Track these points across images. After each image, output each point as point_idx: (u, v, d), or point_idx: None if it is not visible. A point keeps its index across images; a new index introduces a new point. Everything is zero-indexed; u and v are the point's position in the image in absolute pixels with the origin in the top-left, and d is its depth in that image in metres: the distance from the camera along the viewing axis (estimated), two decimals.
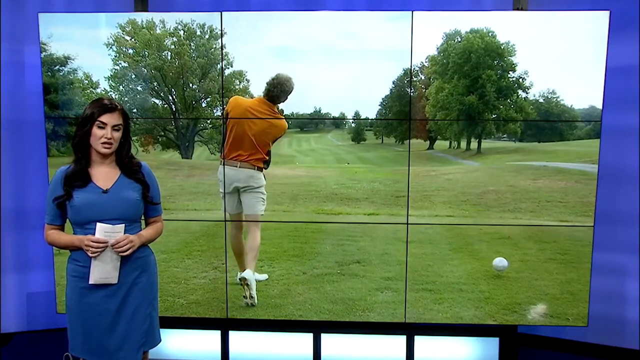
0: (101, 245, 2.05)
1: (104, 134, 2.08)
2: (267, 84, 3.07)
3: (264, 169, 3.20)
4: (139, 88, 3.20)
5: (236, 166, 3.14)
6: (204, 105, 3.29)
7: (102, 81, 3.16)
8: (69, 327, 2.21)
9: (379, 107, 3.16)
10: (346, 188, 3.31)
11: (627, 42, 3.28)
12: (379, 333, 3.27)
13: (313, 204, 3.29)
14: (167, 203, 3.17)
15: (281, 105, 3.13)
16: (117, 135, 2.12)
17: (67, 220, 2.18)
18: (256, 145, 3.13)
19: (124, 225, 2.10)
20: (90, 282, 2.09)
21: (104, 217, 2.09)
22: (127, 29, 3.11)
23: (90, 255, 2.06)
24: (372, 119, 3.24)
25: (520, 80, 3.07)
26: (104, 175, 2.15)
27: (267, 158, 3.20)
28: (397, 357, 3.28)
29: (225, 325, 3.32)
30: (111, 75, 3.15)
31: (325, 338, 3.29)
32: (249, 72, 3.12)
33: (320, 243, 3.28)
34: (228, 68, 3.10)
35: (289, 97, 3.08)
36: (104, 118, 2.08)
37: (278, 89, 3.06)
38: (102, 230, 2.06)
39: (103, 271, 2.09)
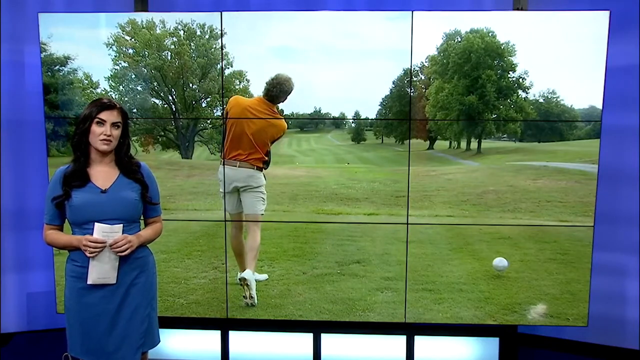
0: (99, 245, 2.05)
1: (103, 131, 2.08)
2: (266, 83, 3.07)
3: (263, 169, 3.20)
4: (139, 88, 3.20)
5: (235, 166, 3.14)
6: (204, 105, 3.29)
7: (102, 81, 3.16)
8: (68, 328, 2.21)
9: (379, 107, 3.16)
10: (346, 188, 3.31)
11: (627, 42, 3.28)
12: (379, 333, 3.27)
13: (313, 204, 3.29)
14: (167, 203, 3.17)
15: (281, 105, 3.13)
16: (116, 133, 2.12)
17: (66, 220, 2.18)
18: (255, 145, 3.12)
19: (122, 225, 2.10)
20: (89, 282, 2.09)
21: (102, 217, 2.09)
22: (127, 29, 3.12)
23: (88, 255, 2.06)
24: (372, 119, 3.24)
25: (520, 80, 3.07)
26: (103, 175, 2.15)
27: (267, 158, 3.19)
28: (397, 357, 3.27)
29: (225, 325, 3.31)
30: (111, 75, 3.15)
31: (325, 338, 3.29)
32: (249, 72, 3.12)
33: (320, 243, 3.28)
34: (228, 68, 3.10)
35: (288, 97, 3.08)
36: (103, 115, 2.08)
37: (277, 89, 3.06)
38: (100, 230, 2.06)
39: (101, 271, 2.09)
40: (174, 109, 3.27)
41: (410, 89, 3.07)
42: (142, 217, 2.27)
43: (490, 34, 3.02)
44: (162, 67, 3.19)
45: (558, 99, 3.05)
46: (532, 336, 3.69)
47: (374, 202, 3.23)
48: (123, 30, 3.11)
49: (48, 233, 2.18)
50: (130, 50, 3.14)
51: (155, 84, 3.20)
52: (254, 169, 3.16)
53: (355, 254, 3.25)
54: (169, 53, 3.20)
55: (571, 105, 3.05)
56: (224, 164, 3.15)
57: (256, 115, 3.10)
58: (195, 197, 3.31)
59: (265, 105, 3.10)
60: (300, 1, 3.58)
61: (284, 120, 3.15)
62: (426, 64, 3.10)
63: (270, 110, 3.12)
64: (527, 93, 3.07)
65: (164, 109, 3.26)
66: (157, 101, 3.24)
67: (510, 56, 3.04)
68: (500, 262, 3.15)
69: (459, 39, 3.06)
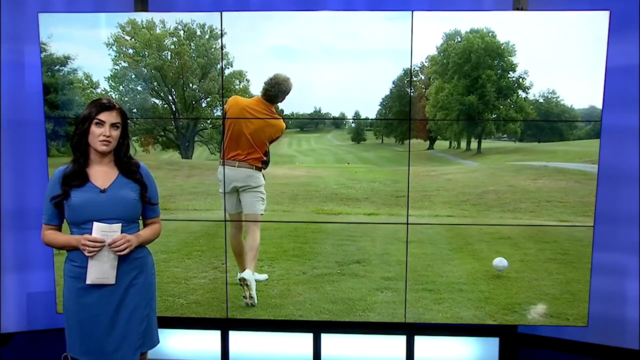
0: (98, 244, 2.04)
1: (102, 132, 2.09)
2: (265, 83, 3.07)
3: (262, 169, 3.20)
4: (139, 88, 3.20)
5: (234, 166, 3.14)
6: (204, 105, 3.29)
7: (102, 81, 3.16)
8: (67, 328, 2.20)
9: (379, 107, 3.16)
10: (346, 188, 3.31)
11: (627, 42, 3.28)
12: (379, 333, 3.26)
13: (313, 204, 3.29)
14: (167, 203, 3.17)
15: (281, 105, 3.13)
16: (116, 133, 2.12)
17: (65, 220, 2.18)
18: (253, 144, 3.12)
19: (120, 224, 2.10)
20: (87, 282, 2.09)
21: (101, 216, 2.09)
22: (127, 29, 3.12)
23: (87, 254, 2.06)
24: (372, 119, 3.24)
25: (520, 80, 3.07)
26: (102, 175, 2.15)
27: (265, 158, 3.19)
28: (397, 357, 3.27)
29: (225, 325, 3.31)
30: (111, 75, 3.15)
31: (325, 338, 3.29)
32: (249, 72, 3.11)
33: (320, 243, 3.28)
34: (228, 68, 3.10)
35: (286, 97, 3.08)
36: (102, 116, 2.08)
37: (276, 89, 3.06)
38: (99, 229, 2.06)
39: (100, 271, 2.08)
40: (174, 109, 3.27)
41: (410, 89, 3.07)
42: (140, 218, 2.27)
43: (490, 34, 3.02)
44: (162, 67, 3.19)
45: (558, 99, 3.05)
46: (532, 336, 3.68)
47: (374, 202, 3.23)
48: (123, 30, 3.11)
49: (46, 233, 2.18)
50: (130, 50, 3.14)
51: (155, 84, 3.20)
52: (252, 168, 3.16)
53: (355, 254, 3.25)
54: (169, 53, 3.20)
55: (571, 105, 3.05)
56: (223, 164, 3.15)
57: (254, 115, 3.10)
58: (195, 197, 3.31)
59: (264, 105, 3.10)
60: (300, 1, 3.58)
61: (282, 120, 3.15)
62: (426, 64, 3.10)
63: (269, 110, 3.12)
64: (527, 93, 3.07)
65: (164, 109, 3.26)
66: (157, 101, 3.24)
67: (510, 56, 3.04)
68: (500, 262, 3.15)
69: (459, 39, 3.05)
